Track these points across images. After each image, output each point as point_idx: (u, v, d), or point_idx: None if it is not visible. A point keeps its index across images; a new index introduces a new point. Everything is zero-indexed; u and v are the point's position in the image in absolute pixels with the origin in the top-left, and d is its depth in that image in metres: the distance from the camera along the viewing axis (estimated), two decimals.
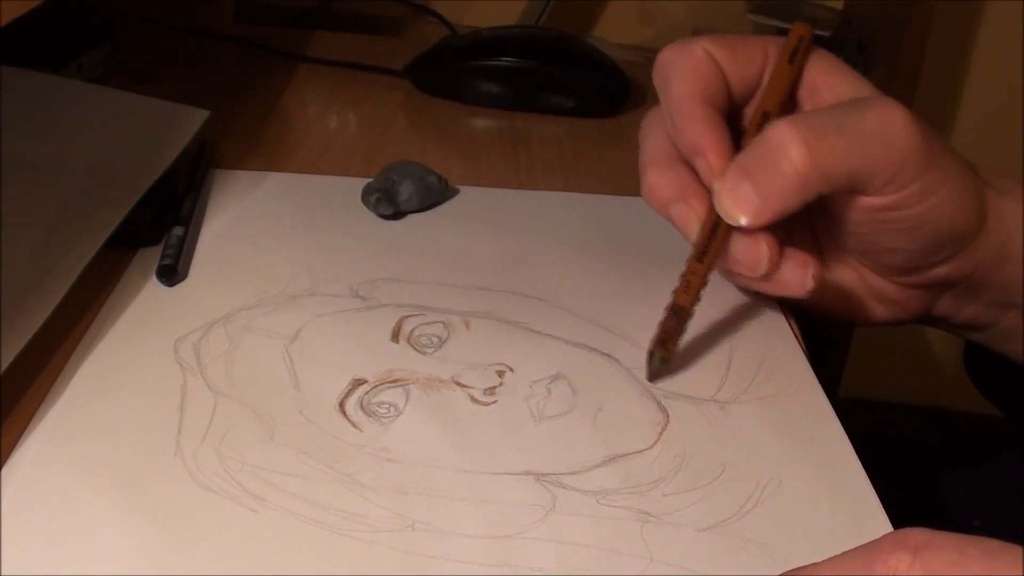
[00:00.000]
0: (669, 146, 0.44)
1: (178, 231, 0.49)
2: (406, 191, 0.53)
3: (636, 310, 0.47)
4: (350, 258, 0.49)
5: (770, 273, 0.43)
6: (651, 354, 0.42)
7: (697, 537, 0.35)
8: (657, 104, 0.45)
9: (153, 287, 0.46)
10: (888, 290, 0.48)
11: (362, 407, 0.39)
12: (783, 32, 1.20)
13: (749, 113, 0.46)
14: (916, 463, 0.66)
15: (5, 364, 0.39)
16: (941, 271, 0.46)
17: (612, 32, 1.00)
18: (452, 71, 0.70)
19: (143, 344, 0.42)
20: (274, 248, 0.49)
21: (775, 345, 0.46)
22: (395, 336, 0.44)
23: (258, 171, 0.57)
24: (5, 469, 0.35)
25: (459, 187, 0.57)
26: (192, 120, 0.57)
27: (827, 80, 0.45)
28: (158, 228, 0.49)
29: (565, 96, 0.69)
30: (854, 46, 1.07)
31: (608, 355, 0.44)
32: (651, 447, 0.39)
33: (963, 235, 0.44)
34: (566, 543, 0.34)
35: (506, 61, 0.69)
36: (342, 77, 0.72)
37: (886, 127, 0.41)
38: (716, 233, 0.43)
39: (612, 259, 0.51)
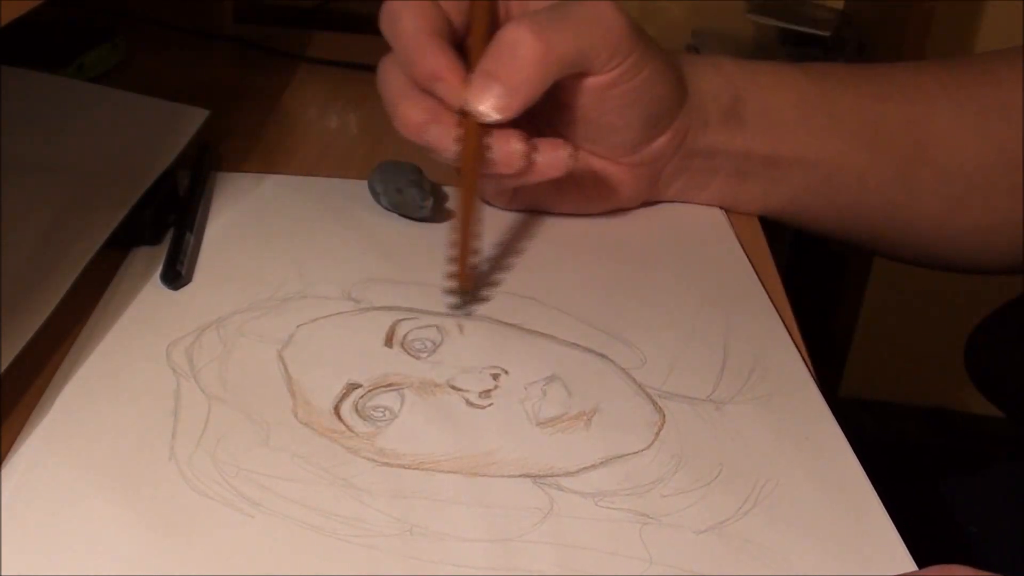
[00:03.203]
0: (409, 81, 0.47)
1: (189, 238, 0.49)
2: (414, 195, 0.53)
3: (631, 310, 0.47)
4: (342, 259, 0.49)
5: (528, 163, 0.47)
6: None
7: (696, 538, 0.35)
8: (389, 53, 0.49)
9: (149, 289, 0.46)
10: (618, 174, 0.54)
11: (357, 411, 0.39)
12: (784, 32, 1.20)
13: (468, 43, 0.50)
14: (916, 463, 0.66)
15: (5, 364, 0.39)
16: (659, 144, 0.53)
17: None
18: None
19: (137, 348, 0.42)
20: (267, 251, 0.49)
21: (769, 344, 0.46)
22: (388, 340, 0.43)
23: (256, 173, 0.57)
24: (4, 470, 0.35)
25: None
26: (192, 120, 0.57)
27: None
28: (158, 228, 0.49)
29: None
30: (854, 46, 1.07)
31: (603, 355, 0.44)
32: (648, 448, 0.39)
33: (674, 102, 0.52)
34: (565, 545, 0.34)
35: None
36: (342, 77, 0.72)
37: (599, 11, 0.48)
38: (469, 146, 0.46)
39: (607, 259, 0.51)
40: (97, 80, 0.66)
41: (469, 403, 0.40)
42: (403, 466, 0.37)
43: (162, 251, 0.48)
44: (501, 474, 0.37)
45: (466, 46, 0.49)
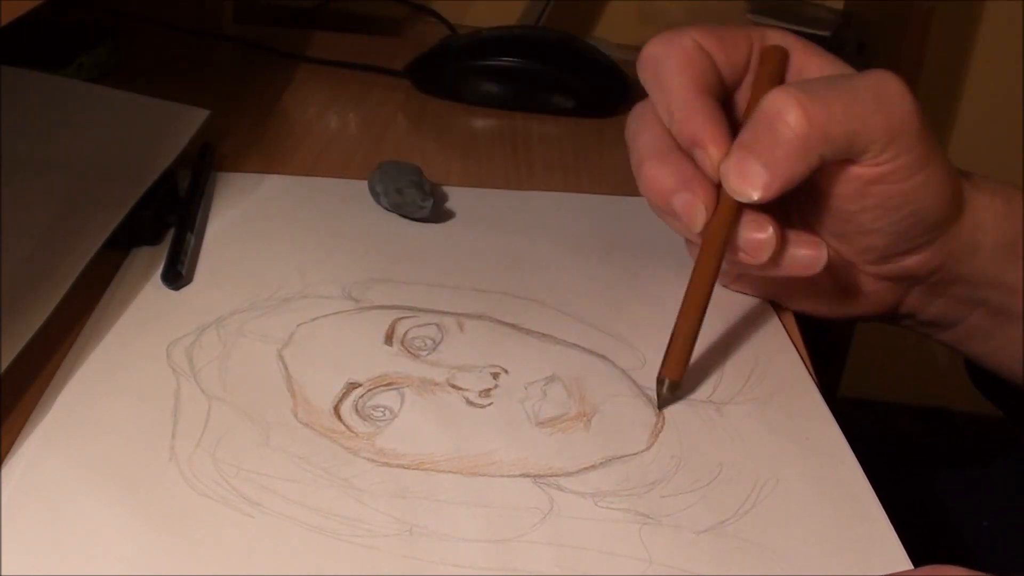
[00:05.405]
0: (665, 138, 0.44)
1: (190, 238, 0.49)
2: (412, 194, 0.53)
3: (632, 311, 0.47)
4: (342, 259, 0.49)
5: (776, 255, 0.43)
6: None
7: (696, 538, 0.35)
8: (644, 98, 0.45)
9: (149, 289, 0.46)
10: (860, 282, 0.47)
11: (357, 411, 0.39)
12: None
13: (740, 99, 0.46)
14: (916, 463, 0.66)
15: (5, 364, 0.39)
16: (913, 261, 0.45)
17: (612, 32, 1.00)
18: (452, 71, 0.70)
19: (137, 348, 0.42)
20: (267, 251, 0.49)
21: (769, 345, 0.46)
22: (388, 339, 0.44)
23: (256, 173, 0.57)
24: (4, 470, 0.35)
25: (457, 188, 0.57)
26: (192, 120, 0.57)
27: (811, 64, 0.46)
28: (158, 228, 0.49)
29: (565, 96, 0.69)
30: (854, 46, 1.07)
31: (603, 356, 0.44)
32: (647, 448, 0.39)
33: (942, 220, 0.44)
34: (565, 546, 0.34)
35: (506, 61, 0.69)
36: (342, 77, 0.72)
37: (880, 89, 0.41)
38: (718, 222, 0.42)
39: (608, 260, 0.51)
40: (97, 80, 0.66)
41: (469, 402, 0.40)
42: (403, 466, 0.37)
43: (162, 251, 0.48)
44: (501, 474, 0.37)
45: (735, 102, 0.46)
